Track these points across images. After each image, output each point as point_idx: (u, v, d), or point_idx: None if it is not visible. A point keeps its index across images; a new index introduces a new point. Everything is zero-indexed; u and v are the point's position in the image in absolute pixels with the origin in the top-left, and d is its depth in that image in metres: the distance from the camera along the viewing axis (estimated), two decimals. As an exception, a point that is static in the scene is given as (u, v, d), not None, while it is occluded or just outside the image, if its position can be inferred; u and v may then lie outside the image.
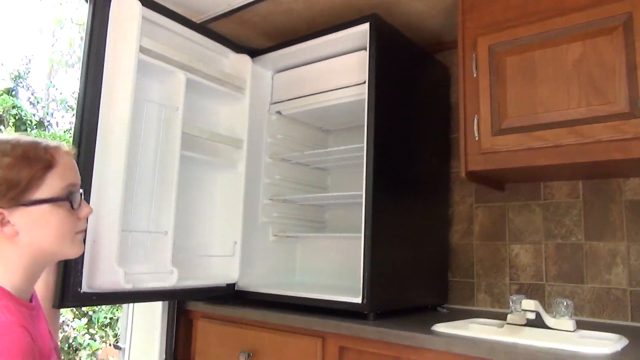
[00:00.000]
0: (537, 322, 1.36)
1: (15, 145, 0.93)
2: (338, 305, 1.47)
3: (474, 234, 1.88)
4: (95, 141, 1.35)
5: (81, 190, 1.01)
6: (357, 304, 1.44)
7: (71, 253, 1.00)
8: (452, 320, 1.44)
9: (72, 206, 0.97)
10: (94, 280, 1.32)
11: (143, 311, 1.86)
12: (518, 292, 1.75)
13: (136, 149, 1.51)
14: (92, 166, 1.33)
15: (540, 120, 1.40)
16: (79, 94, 1.37)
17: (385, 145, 1.55)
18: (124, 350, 2.08)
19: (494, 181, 1.74)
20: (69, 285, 1.27)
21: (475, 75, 1.54)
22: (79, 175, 1.01)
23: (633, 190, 1.58)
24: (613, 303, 1.57)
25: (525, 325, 1.39)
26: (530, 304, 1.36)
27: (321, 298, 1.50)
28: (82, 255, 1.25)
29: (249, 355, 1.56)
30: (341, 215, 2.13)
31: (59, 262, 1.23)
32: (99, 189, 1.33)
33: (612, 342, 1.29)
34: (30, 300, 0.97)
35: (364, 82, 1.67)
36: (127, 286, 1.33)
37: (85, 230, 1.04)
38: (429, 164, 1.85)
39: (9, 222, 0.91)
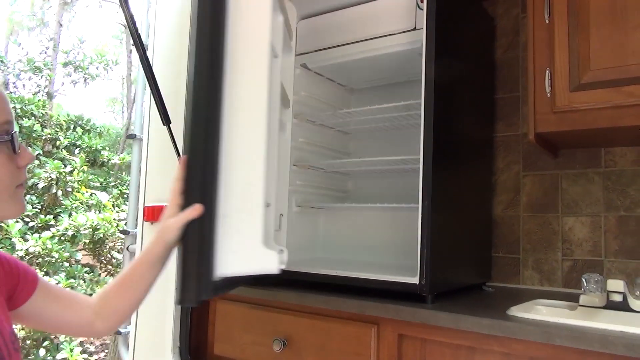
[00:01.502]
0: (621, 305, 1.20)
1: None
2: (393, 287, 1.27)
3: (520, 205, 1.70)
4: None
5: (15, 130, 0.76)
6: (415, 284, 1.25)
7: (11, 213, 0.78)
8: (520, 302, 1.26)
9: (13, 150, 0.74)
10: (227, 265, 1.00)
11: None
12: (571, 269, 1.59)
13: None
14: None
15: (633, 73, 1.20)
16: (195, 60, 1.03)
17: (445, 104, 1.33)
18: (126, 335, 1.85)
19: (550, 146, 1.56)
20: (201, 274, 0.94)
21: (547, 21, 1.33)
22: (12, 111, 0.77)
23: None
24: (684, 281, 1.43)
25: (604, 307, 1.23)
26: (618, 285, 1.19)
27: (374, 278, 1.29)
28: (211, 236, 0.95)
29: (284, 343, 1.35)
30: (366, 184, 1.92)
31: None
32: (229, 158, 1.02)
33: None
34: None
35: (413, 29, 1.45)
36: (282, 267, 1.05)
37: (25, 184, 0.78)
38: (475, 128, 1.65)
39: None
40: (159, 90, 1.43)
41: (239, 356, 1.46)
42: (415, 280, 1.25)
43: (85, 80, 6.83)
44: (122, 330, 1.86)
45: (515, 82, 1.75)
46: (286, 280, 1.46)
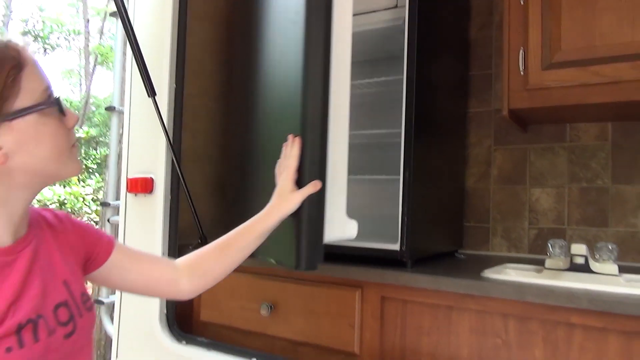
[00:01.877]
0: (583, 267, 1.32)
1: None
2: (376, 253, 1.35)
3: (491, 177, 1.80)
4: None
5: (58, 95, 0.78)
6: (396, 251, 1.33)
7: (71, 171, 0.80)
8: (491, 267, 1.36)
9: (62, 113, 0.77)
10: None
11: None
12: (537, 236, 1.71)
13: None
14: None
15: (599, 54, 1.29)
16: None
17: (424, 80, 1.40)
18: (109, 305, 1.87)
19: (520, 121, 1.65)
20: (317, 242, 0.98)
21: (522, 2, 1.40)
22: (48, 78, 0.79)
23: (666, 132, 1.55)
24: (638, 246, 1.56)
25: (567, 270, 1.34)
26: (581, 248, 1.30)
27: (358, 246, 1.36)
28: (324, 208, 0.99)
29: (270, 307, 1.42)
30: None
31: None
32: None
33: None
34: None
35: (395, 6, 1.49)
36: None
37: (77, 144, 0.81)
38: (451, 103, 1.72)
39: None
40: (143, 61, 1.44)
41: (226, 322, 1.52)
42: (396, 247, 1.33)
43: (45, 50, 6.57)
44: (104, 300, 1.88)
45: (488, 60, 1.82)
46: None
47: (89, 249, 0.87)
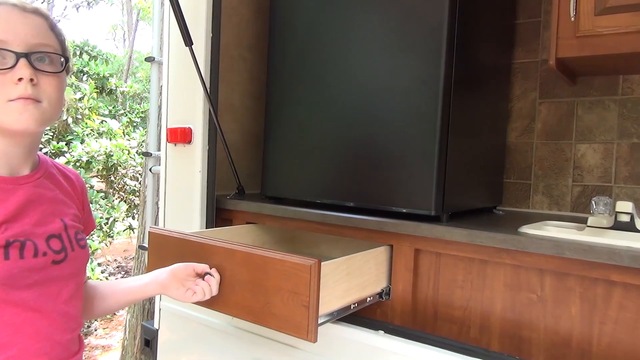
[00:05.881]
0: (628, 225, 1.27)
1: None
2: (410, 208, 1.34)
3: (535, 132, 1.74)
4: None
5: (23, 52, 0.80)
6: (430, 205, 1.31)
7: (10, 124, 0.80)
8: (528, 222, 1.33)
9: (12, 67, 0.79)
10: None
11: (175, 208, 1.70)
12: (581, 194, 1.65)
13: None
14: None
15: (661, -3, 1.19)
16: None
17: (465, 26, 1.33)
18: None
19: (569, 72, 1.57)
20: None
21: (578, -59, 1.30)
22: (19, 31, 0.80)
23: None
24: (689, 205, 1.49)
25: (611, 228, 1.29)
26: (627, 206, 1.25)
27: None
28: None
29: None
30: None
31: None
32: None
33: None
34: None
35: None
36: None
37: (31, 99, 0.81)
38: (494, 53, 1.64)
39: None
40: (180, 10, 1.43)
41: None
42: (430, 201, 1.31)
43: (88, 4, 6.65)
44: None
45: (537, 7, 1.72)
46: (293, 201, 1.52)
47: (83, 216, 0.98)
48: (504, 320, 1.18)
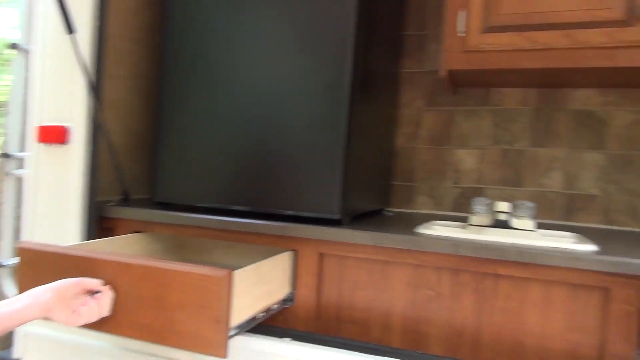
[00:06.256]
0: (503, 223, 1.41)
1: None
2: (313, 212, 1.34)
3: (420, 137, 1.85)
4: None
5: None
6: (332, 209, 1.33)
7: None
8: (420, 224, 1.42)
9: None
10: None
11: (44, 217, 1.50)
12: (460, 195, 1.80)
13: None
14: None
15: (535, 21, 1.35)
16: None
17: (364, 35, 1.37)
18: (14, 267, 1.71)
19: (452, 83, 1.70)
20: None
21: (463, -36, 1.41)
22: None
23: (580, 100, 1.67)
24: (546, 204, 1.70)
25: (489, 226, 1.43)
26: (505, 206, 1.39)
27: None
28: None
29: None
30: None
31: None
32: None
33: (573, 239, 1.39)
34: None
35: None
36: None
37: None
38: (385, 62, 1.72)
39: None
40: (60, -7, 1.27)
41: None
42: (333, 206, 1.33)
43: None
44: (5, 262, 1.71)
45: (423, 21, 1.84)
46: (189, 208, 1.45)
47: None
48: (404, 318, 1.24)
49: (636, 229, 1.62)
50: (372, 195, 1.67)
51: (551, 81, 1.60)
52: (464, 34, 1.41)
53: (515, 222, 1.40)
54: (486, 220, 1.43)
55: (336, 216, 1.31)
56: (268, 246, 1.34)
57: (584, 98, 1.66)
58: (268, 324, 1.30)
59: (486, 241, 1.16)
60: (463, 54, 1.42)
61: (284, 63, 1.34)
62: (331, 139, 1.30)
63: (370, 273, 1.27)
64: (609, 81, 1.52)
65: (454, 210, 1.81)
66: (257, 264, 1.13)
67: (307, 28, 1.32)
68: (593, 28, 1.30)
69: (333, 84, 1.29)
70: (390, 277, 1.25)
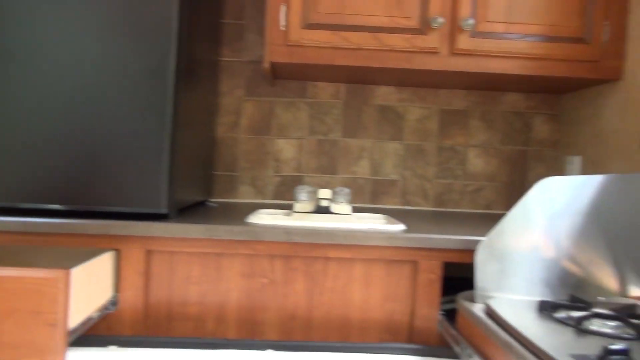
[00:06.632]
0: (325, 209, 1.52)
1: None
2: (137, 208, 1.24)
3: (240, 127, 1.86)
4: None
5: None
6: (158, 202, 1.25)
7: None
8: (245, 214, 1.43)
9: None
10: None
11: None
12: (281, 183, 1.87)
13: None
14: None
15: (348, 22, 1.46)
16: None
17: (187, 21, 1.31)
18: None
19: (273, 75, 1.74)
20: None
21: (284, -41, 1.45)
22: None
23: (382, 96, 1.88)
24: (357, 189, 1.89)
25: (312, 212, 1.52)
26: (327, 193, 1.49)
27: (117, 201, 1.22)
28: None
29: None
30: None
31: None
32: None
33: (384, 220, 1.57)
34: None
35: None
36: None
37: None
38: (205, 49, 1.68)
39: None
40: None
41: None
42: (158, 198, 1.25)
43: None
44: None
45: (242, 10, 1.84)
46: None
47: None
48: (239, 308, 1.24)
49: (427, 208, 1.90)
50: (196, 186, 1.62)
51: (358, 77, 1.77)
52: (285, 28, 1.45)
53: (334, 208, 1.52)
54: (309, 207, 1.52)
55: (164, 210, 1.24)
56: (89, 247, 1.19)
57: (384, 94, 1.88)
58: (89, 334, 1.17)
59: (316, 227, 1.23)
60: (285, 47, 1.47)
61: (98, 46, 1.20)
62: (156, 127, 1.22)
63: (204, 266, 1.23)
64: (405, 80, 1.75)
65: (275, 198, 1.87)
66: (82, 265, 1.01)
67: (126, 9, 1.20)
68: (395, 33, 1.47)
69: (157, 70, 1.21)
70: (224, 268, 1.23)
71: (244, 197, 1.87)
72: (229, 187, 1.87)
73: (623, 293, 1.11)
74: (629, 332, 0.89)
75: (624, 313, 0.96)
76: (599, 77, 1.53)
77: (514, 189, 1.91)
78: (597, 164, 1.65)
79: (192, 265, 1.23)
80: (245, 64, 1.84)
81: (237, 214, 1.46)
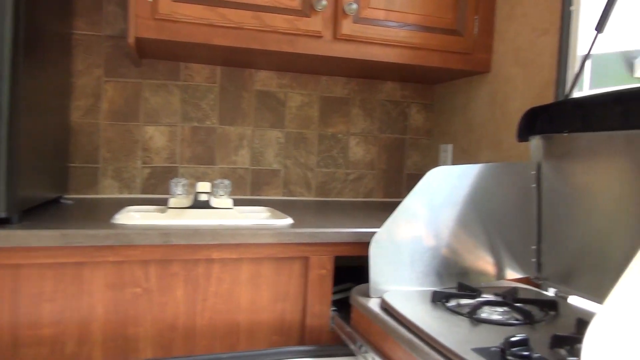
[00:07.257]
0: (204, 204, 1.38)
1: None
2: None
3: (101, 112, 1.62)
4: None
5: None
6: (-4, 203, 1.02)
7: None
8: (108, 212, 1.25)
9: None
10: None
11: None
12: (151, 175, 1.68)
13: None
14: None
15: (226, -3, 1.33)
16: None
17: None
18: None
19: (139, 53, 1.53)
20: None
21: None
22: None
23: (261, 81, 1.77)
24: (237, 181, 1.77)
25: (189, 207, 1.38)
26: (206, 186, 1.35)
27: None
28: None
29: None
30: None
31: None
32: None
33: (267, 214, 1.48)
34: None
35: None
36: None
37: None
38: (53, 18, 1.41)
39: None
40: None
41: None
42: (-2, 197, 1.02)
43: None
44: None
45: (96, -23, 1.59)
46: None
47: None
48: (106, 325, 1.06)
49: (309, 198, 1.85)
50: (46, 181, 1.37)
51: (237, 60, 1.64)
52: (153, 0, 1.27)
53: (214, 202, 1.39)
54: (186, 201, 1.37)
55: (2, 214, 1.01)
56: None
57: (264, 79, 1.77)
58: None
59: (198, 226, 1.10)
60: (153, 21, 1.29)
61: None
62: (-11, 113, 0.98)
63: (59, 280, 1.03)
64: (285, 65, 1.66)
65: (144, 193, 1.68)
66: None
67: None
68: (278, 14, 1.37)
69: (-11, 40, 0.96)
70: (85, 280, 1.04)
71: (107, 192, 1.65)
72: (89, 180, 1.63)
73: (501, 276, 1.17)
74: (516, 316, 0.92)
75: (509, 298, 0.99)
76: (470, 69, 1.60)
77: (392, 177, 1.95)
78: (467, 152, 1.73)
79: (45, 279, 1.02)
80: (105, 39, 1.60)
81: (100, 212, 1.26)
